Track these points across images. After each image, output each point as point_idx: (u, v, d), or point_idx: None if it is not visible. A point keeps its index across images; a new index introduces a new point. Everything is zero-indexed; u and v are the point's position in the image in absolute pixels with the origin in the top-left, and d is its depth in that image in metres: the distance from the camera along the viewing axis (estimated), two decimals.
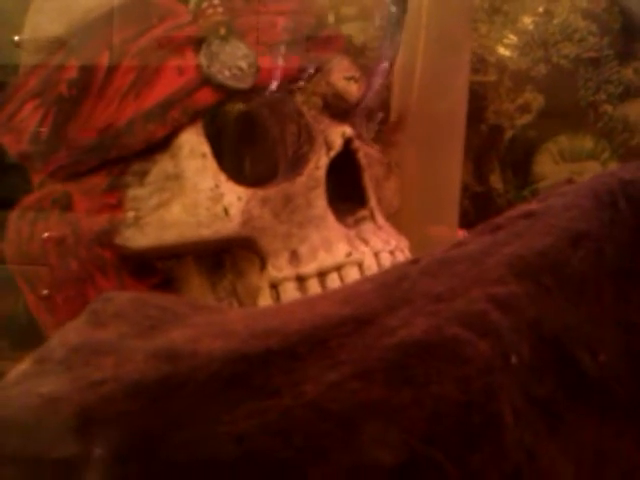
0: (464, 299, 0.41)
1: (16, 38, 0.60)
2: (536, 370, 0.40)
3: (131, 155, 0.57)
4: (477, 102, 1.02)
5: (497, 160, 1.05)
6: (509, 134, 1.07)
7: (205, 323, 0.42)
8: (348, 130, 0.62)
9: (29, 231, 0.57)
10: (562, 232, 0.44)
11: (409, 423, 0.36)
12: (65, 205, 0.57)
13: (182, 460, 0.34)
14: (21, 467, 0.35)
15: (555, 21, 1.06)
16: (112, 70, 0.58)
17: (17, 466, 0.35)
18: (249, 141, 0.64)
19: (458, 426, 0.35)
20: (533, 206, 0.48)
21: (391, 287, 0.44)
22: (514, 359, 0.39)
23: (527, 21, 1.09)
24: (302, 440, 0.36)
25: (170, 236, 0.56)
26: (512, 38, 1.08)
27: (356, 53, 0.81)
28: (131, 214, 0.56)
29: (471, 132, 0.93)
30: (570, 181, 0.55)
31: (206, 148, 0.56)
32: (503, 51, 1.05)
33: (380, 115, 0.76)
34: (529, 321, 0.41)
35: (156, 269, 0.59)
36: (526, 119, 1.06)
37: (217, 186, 0.55)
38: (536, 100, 1.05)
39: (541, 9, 1.08)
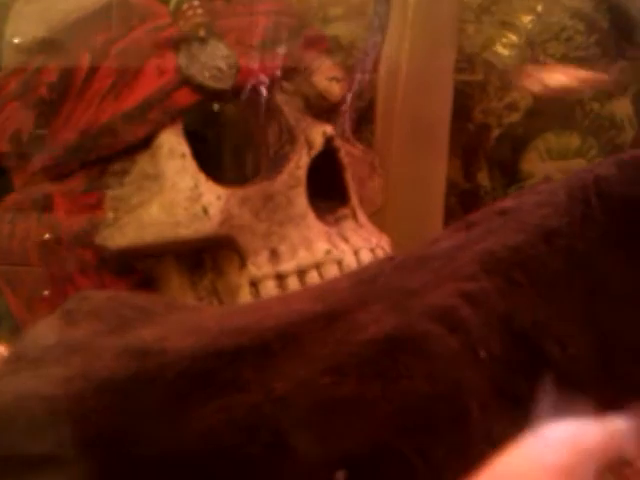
0: (436, 295, 0.41)
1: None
2: (506, 364, 0.40)
3: (111, 156, 0.57)
4: (464, 101, 1.02)
5: (485, 158, 1.05)
6: (496, 132, 1.07)
7: (178, 321, 0.42)
8: (329, 129, 0.62)
9: (9, 231, 0.57)
10: (534, 229, 0.44)
11: (377, 418, 0.36)
12: (45, 206, 0.58)
13: (149, 456, 0.35)
14: None
15: (543, 20, 1.06)
16: (92, 71, 0.59)
17: None
18: (230, 141, 0.64)
19: (425, 420, 0.36)
20: (507, 203, 0.49)
21: (366, 283, 0.44)
22: (483, 354, 0.40)
23: (515, 21, 1.09)
24: (270, 436, 0.36)
25: (149, 236, 0.56)
26: (500, 38, 1.08)
27: (343, 53, 0.81)
28: (110, 214, 0.57)
29: (458, 130, 0.93)
30: (547, 180, 0.55)
31: (185, 148, 0.56)
32: (491, 50, 1.06)
33: (364, 114, 0.76)
34: (499, 316, 0.41)
35: (136, 269, 0.59)
36: (514, 117, 1.06)
37: (196, 186, 0.56)
38: (524, 99, 1.05)
39: (529, 9, 1.08)
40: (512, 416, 0.38)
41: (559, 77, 0.92)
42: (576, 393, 0.45)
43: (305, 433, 0.36)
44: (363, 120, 0.80)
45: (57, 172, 0.58)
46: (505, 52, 1.08)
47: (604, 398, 0.47)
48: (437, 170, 0.83)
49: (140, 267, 0.59)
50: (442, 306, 0.41)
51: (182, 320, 0.42)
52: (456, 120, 0.88)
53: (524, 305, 0.42)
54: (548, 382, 0.43)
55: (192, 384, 0.37)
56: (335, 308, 0.41)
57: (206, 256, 0.60)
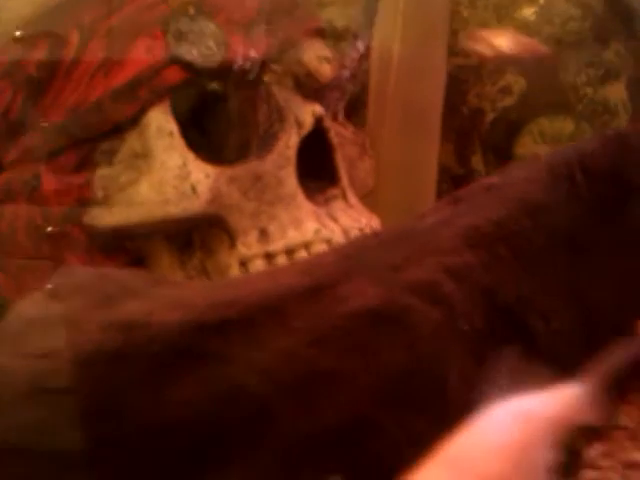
0: (419, 269, 0.42)
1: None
2: (489, 338, 0.41)
3: (100, 134, 0.57)
4: (458, 85, 1.02)
5: (478, 142, 1.05)
6: (490, 116, 1.07)
7: (164, 296, 0.42)
8: (318, 109, 0.62)
9: None
10: (518, 204, 0.44)
11: (359, 390, 0.36)
12: (35, 185, 0.58)
13: (132, 427, 0.35)
14: None
15: (537, 4, 1.06)
16: (81, 50, 0.58)
17: None
18: (218, 121, 0.64)
19: (406, 392, 0.36)
20: (494, 179, 0.49)
21: (351, 258, 0.44)
22: (466, 327, 0.40)
23: (509, 5, 1.09)
24: (253, 407, 0.36)
25: (138, 215, 0.56)
26: (494, 21, 1.08)
27: (336, 37, 0.81)
28: (100, 193, 0.57)
29: (453, 115, 0.93)
30: (536, 157, 0.55)
31: (173, 126, 0.56)
32: (484, 34, 1.06)
33: (355, 96, 0.76)
34: (483, 290, 0.41)
35: (126, 248, 0.59)
36: (507, 101, 1.06)
37: (185, 164, 0.56)
38: (517, 83, 1.05)
39: None
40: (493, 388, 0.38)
41: (504, 41, 0.92)
42: (559, 367, 0.45)
43: (288, 404, 0.36)
44: (356, 105, 0.80)
45: (46, 151, 0.58)
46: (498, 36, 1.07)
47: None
48: (429, 154, 0.83)
49: (130, 246, 0.59)
50: (425, 280, 0.41)
51: (168, 295, 0.42)
52: (450, 104, 0.87)
53: (508, 280, 0.42)
54: (531, 356, 0.43)
55: (177, 357, 0.38)
56: (320, 282, 0.41)
57: (195, 235, 0.59)
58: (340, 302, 0.40)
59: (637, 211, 0.44)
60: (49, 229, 0.57)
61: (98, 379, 0.36)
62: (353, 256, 0.44)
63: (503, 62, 0.90)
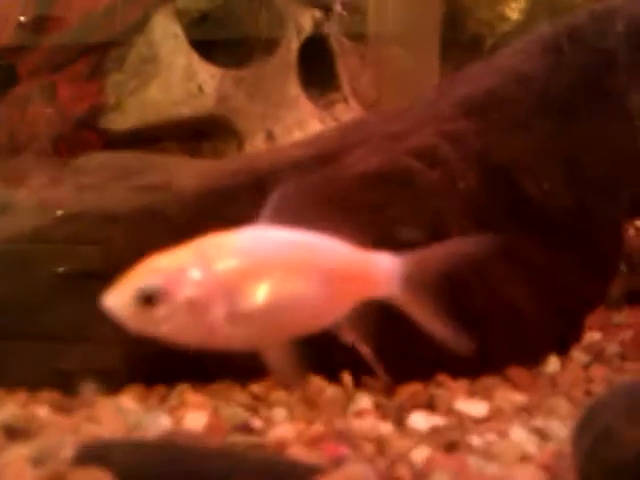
0: (417, 136, 0.44)
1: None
2: (484, 195, 0.43)
3: (109, 40, 0.60)
4: (457, 12, 1.03)
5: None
6: (490, 42, 1.08)
7: (180, 168, 0.45)
8: (318, 13, 0.64)
9: (19, 117, 0.60)
10: (510, 73, 0.46)
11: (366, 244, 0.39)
12: (51, 93, 0.60)
13: None
14: None
15: None
16: None
17: None
18: (222, 27, 0.66)
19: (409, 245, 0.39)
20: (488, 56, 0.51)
21: (351, 131, 0.47)
22: (462, 185, 0.43)
23: None
24: None
25: (150, 117, 0.59)
26: None
27: None
28: (112, 99, 0.59)
29: (451, 42, 0.95)
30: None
31: (178, 29, 0.59)
32: None
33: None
34: (477, 152, 0.44)
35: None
36: (506, 27, 1.07)
37: (190, 64, 0.58)
38: (512, 10, 1.06)
39: None
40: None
41: None
42: (550, 227, 0.48)
43: None
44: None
45: (59, 60, 0.60)
46: None
47: (577, 233, 0.50)
48: (429, 69, 0.85)
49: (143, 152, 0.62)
50: (423, 145, 0.44)
51: (184, 167, 0.45)
52: (449, 32, 0.89)
53: (501, 143, 0.45)
54: (524, 214, 0.46)
55: (194, 218, 0.41)
56: (324, 152, 0.44)
57: (205, 141, 0.62)
58: (345, 167, 0.43)
59: (620, 81, 0.46)
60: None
61: (120, 236, 0.40)
62: (353, 129, 0.47)
63: None
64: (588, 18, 0.49)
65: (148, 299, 0.30)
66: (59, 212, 0.40)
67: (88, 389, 0.37)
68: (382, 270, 0.34)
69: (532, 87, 0.46)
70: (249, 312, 0.31)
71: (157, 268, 0.31)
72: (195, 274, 0.31)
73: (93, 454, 0.26)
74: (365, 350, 0.36)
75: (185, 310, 0.30)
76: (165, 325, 0.30)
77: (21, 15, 0.60)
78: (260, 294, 0.31)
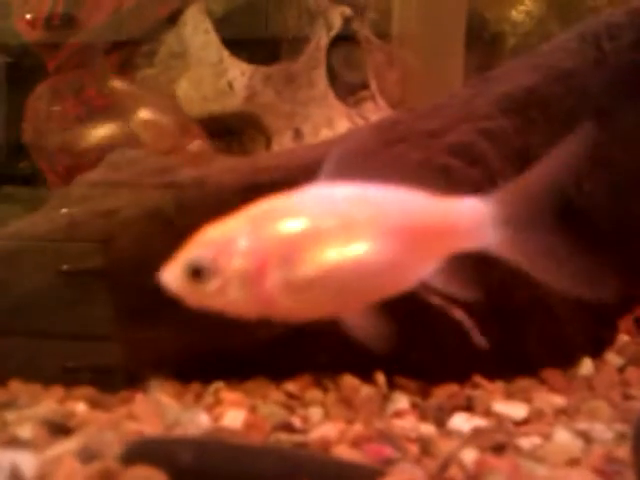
0: (454, 133, 0.44)
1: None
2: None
3: (139, 36, 0.59)
4: (479, 10, 1.03)
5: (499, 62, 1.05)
6: (512, 41, 1.07)
7: (214, 164, 0.45)
8: (347, 11, 0.64)
9: (46, 111, 0.60)
10: (548, 70, 0.46)
11: None
12: (78, 89, 0.60)
13: None
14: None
15: None
16: None
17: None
18: (251, 26, 0.66)
19: None
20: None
21: (386, 130, 0.46)
22: (501, 183, 0.42)
23: None
24: None
25: None
26: None
27: None
28: None
29: (474, 41, 0.94)
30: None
31: (208, 24, 0.58)
32: None
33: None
34: (516, 150, 0.44)
35: None
36: (527, 26, 1.06)
37: (221, 61, 0.58)
38: (536, 7, 1.05)
39: None
40: None
41: None
42: (590, 230, 0.47)
43: None
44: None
45: (88, 55, 0.60)
46: None
47: (614, 238, 0.49)
48: (454, 68, 0.84)
49: None
50: (461, 142, 0.43)
51: (217, 163, 0.45)
52: (472, 30, 0.88)
53: (539, 141, 0.44)
54: (564, 216, 0.45)
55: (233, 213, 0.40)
56: (357, 151, 0.44)
57: (233, 139, 0.62)
58: (380, 165, 0.43)
59: None
60: None
61: (157, 234, 0.39)
62: (388, 128, 0.46)
63: None
64: (626, 15, 0.48)
65: (198, 273, 0.29)
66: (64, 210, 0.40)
67: (152, 386, 0.37)
68: (470, 216, 0.30)
69: (571, 85, 0.45)
70: (308, 279, 0.28)
71: (208, 240, 0.30)
72: (245, 243, 0.29)
73: (142, 451, 0.25)
74: (459, 313, 0.33)
75: (237, 282, 0.29)
76: (219, 298, 0.29)
77: (50, 11, 0.60)
78: (318, 259, 0.29)
